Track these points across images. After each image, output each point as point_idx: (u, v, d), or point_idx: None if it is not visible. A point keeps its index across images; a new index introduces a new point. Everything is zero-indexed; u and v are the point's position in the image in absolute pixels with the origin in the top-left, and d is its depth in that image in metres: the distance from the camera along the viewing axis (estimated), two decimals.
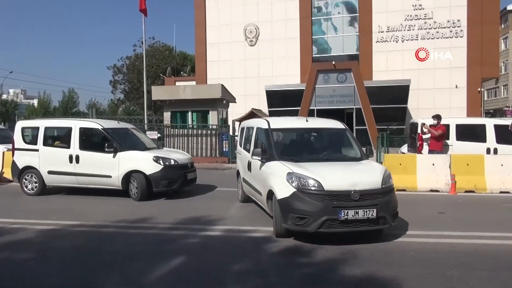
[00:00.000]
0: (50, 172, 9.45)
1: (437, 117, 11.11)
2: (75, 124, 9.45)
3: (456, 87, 26.66)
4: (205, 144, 16.96)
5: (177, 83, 29.41)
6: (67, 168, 9.22)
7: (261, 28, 29.86)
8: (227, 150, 16.88)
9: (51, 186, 9.84)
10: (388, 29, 27.82)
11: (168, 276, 4.46)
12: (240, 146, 8.58)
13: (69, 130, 9.42)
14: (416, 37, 27.36)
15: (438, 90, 26.87)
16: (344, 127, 7.17)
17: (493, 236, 5.86)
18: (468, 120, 13.91)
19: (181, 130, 17.49)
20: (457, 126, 11.83)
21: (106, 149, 8.83)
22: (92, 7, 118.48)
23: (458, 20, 26.66)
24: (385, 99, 24.76)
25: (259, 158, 6.44)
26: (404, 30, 27.59)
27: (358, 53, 28.56)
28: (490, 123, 11.79)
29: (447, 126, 11.32)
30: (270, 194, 5.91)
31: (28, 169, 9.64)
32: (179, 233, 6.24)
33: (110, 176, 8.91)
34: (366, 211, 5.21)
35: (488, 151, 11.29)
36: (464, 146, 11.32)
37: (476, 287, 4.05)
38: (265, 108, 27.39)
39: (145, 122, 19.95)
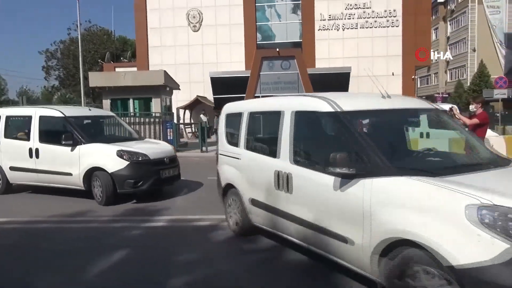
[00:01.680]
0: (12, 168, 8.33)
1: None
2: (35, 112, 8.22)
3: (393, 74, 28.06)
4: (148, 133, 16.42)
5: (117, 69, 28.10)
6: (28, 163, 8.02)
7: (205, 13, 29.24)
8: (171, 138, 16.52)
9: (16, 184, 8.69)
10: (329, 17, 28.48)
11: (111, 271, 4.26)
12: (236, 145, 5.33)
13: (29, 119, 8.19)
14: (356, 25, 28.29)
15: (376, 77, 28.09)
16: (436, 107, 4.59)
17: None
18: None
19: (122, 118, 16.77)
20: None
21: (63, 142, 7.46)
22: None
23: (394, 10, 27.93)
24: (328, 86, 25.29)
25: (345, 170, 3.34)
26: (345, 19, 28.40)
27: (301, 40, 29.00)
28: None
29: None
30: (395, 247, 2.98)
31: None
32: (122, 225, 5.99)
33: (70, 174, 7.56)
34: None
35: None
36: None
37: None
38: (210, 95, 27.08)
39: None
